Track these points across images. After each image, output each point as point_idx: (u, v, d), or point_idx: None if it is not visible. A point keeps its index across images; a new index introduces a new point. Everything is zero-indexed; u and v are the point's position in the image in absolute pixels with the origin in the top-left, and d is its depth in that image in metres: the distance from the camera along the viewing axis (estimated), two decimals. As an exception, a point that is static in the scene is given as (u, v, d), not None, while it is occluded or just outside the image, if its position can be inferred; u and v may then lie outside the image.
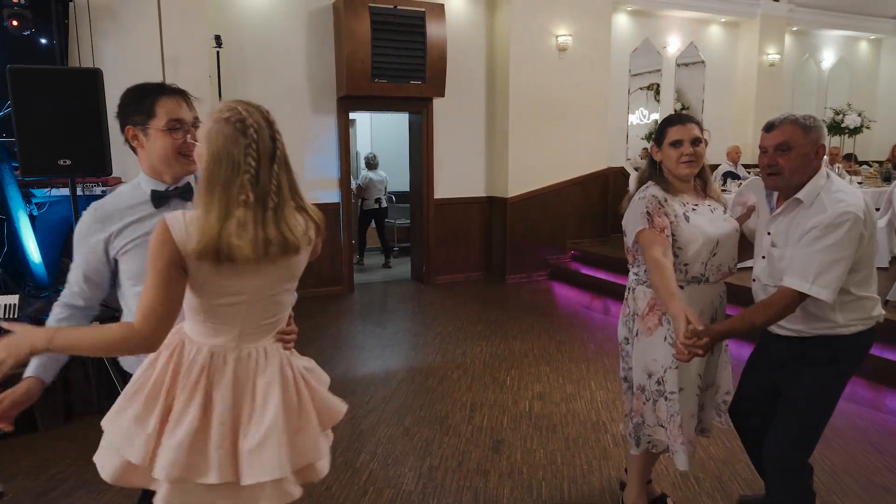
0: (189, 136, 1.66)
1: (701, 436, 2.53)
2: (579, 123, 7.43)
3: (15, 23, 4.27)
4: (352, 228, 7.10)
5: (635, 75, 8.74)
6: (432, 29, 6.36)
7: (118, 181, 4.32)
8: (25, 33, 4.53)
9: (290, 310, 1.63)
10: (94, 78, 3.18)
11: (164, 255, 1.34)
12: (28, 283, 4.25)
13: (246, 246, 1.34)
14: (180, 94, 1.70)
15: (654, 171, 2.32)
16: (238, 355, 1.47)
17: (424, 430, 3.58)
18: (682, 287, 2.22)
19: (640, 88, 9.54)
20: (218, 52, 5.35)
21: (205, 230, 1.33)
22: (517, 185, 7.19)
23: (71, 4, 4.86)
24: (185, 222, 1.35)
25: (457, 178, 7.26)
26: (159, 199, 1.69)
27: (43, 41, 4.77)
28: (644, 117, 9.85)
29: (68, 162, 3.17)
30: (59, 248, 4.17)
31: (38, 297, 4.16)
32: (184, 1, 5.39)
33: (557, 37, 7.13)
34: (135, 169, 1.74)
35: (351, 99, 6.45)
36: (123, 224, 1.66)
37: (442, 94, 6.67)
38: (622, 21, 8.18)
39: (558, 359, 4.75)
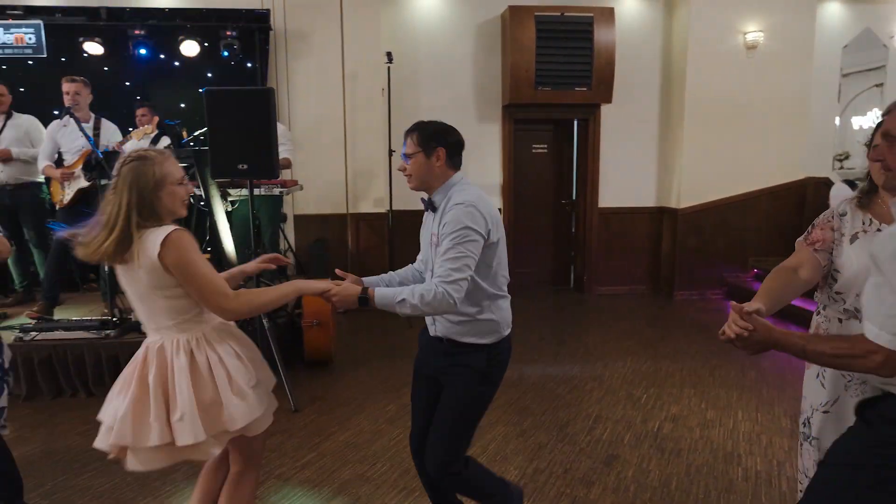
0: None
1: None
2: (770, 129, 6.69)
3: (227, 53, 5.17)
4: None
5: (847, 74, 7.57)
6: (600, 34, 6.24)
7: (295, 183, 4.99)
8: (235, 60, 5.46)
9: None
10: (266, 96, 3.74)
11: None
12: (225, 268, 5.07)
13: None
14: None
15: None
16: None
17: (541, 434, 3.57)
18: (840, 321, 1.86)
19: (876, 86, 8.23)
20: (389, 67, 5.86)
21: None
22: (690, 195, 6.71)
23: (271, 33, 5.72)
24: None
25: (623, 186, 6.99)
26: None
27: (249, 65, 5.69)
28: (878, 119, 8.44)
29: (245, 167, 3.78)
30: (246, 238, 4.91)
31: (229, 279, 4.95)
32: (363, 23, 6.04)
33: (745, 34, 6.52)
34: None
35: (514, 107, 6.59)
36: None
37: (609, 101, 6.50)
38: (831, 11, 7.16)
39: (708, 382, 4.37)
